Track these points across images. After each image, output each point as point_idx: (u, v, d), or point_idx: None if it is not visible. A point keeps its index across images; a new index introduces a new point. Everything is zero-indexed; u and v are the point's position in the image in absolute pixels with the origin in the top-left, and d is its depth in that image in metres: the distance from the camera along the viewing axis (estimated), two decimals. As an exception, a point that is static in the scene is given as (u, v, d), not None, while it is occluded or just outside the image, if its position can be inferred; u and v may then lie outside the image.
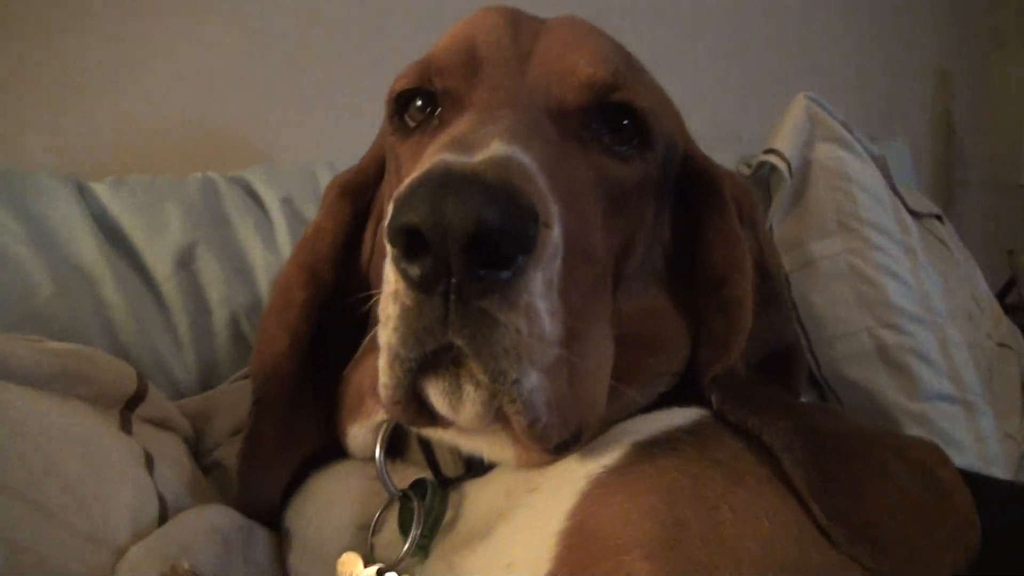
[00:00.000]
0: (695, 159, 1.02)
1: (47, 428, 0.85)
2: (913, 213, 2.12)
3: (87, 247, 1.24)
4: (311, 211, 1.47)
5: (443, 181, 0.64)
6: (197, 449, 1.12)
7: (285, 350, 0.98)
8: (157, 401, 1.06)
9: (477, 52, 0.89)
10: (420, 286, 0.66)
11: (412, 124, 0.92)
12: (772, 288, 1.05)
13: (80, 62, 1.56)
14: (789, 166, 1.84)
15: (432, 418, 0.75)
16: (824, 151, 1.88)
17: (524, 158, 0.71)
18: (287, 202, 1.48)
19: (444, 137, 0.75)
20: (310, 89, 1.87)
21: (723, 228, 0.98)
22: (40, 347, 0.96)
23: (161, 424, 1.06)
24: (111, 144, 1.60)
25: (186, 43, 1.69)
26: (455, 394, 0.71)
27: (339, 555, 0.88)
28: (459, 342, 0.67)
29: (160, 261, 1.32)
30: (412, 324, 0.68)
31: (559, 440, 0.75)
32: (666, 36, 2.62)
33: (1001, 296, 3.54)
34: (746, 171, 2.02)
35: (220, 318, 1.34)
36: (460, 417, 0.72)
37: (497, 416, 0.72)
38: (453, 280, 0.64)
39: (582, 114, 0.87)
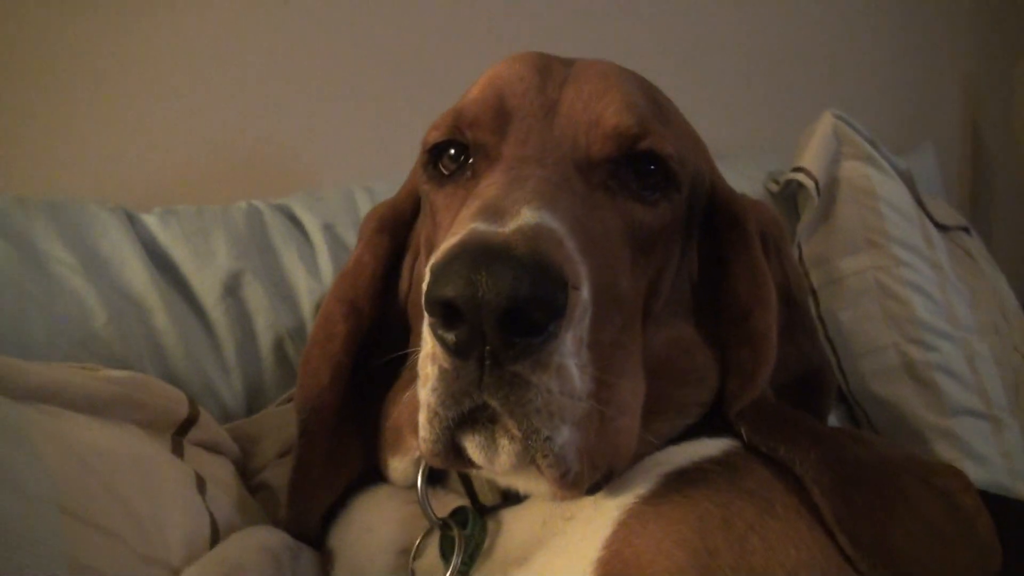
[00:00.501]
0: (720, 193, 1.04)
1: (106, 454, 0.87)
2: (940, 226, 2.12)
3: (138, 276, 1.28)
4: (351, 236, 1.50)
5: (476, 256, 0.67)
6: (244, 470, 1.15)
7: (328, 383, 1.01)
8: (208, 425, 1.09)
9: (505, 104, 0.91)
10: (456, 352, 0.69)
11: (446, 172, 0.95)
12: (798, 315, 1.08)
13: (124, 96, 1.60)
14: (817, 184, 1.86)
15: (469, 463, 0.77)
16: (851, 169, 1.90)
17: (553, 223, 0.74)
18: (328, 228, 1.51)
19: (476, 201, 0.78)
20: (349, 114, 1.89)
21: (747, 261, 1.00)
22: (97, 375, 0.99)
23: (212, 448, 1.09)
24: (155, 172, 1.64)
25: (228, 73, 1.72)
26: (491, 447, 0.74)
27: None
28: (493, 403, 0.70)
29: (208, 289, 1.35)
30: (449, 385, 0.71)
31: (590, 484, 0.78)
32: (693, 51, 2.63)
33: (1030, 306, 3.52)
34: (774, 188, 2.04)
35: (266, 343, 1.37)
36: (495, 467, 0.76)
37: (531, 462, 0.74)
38: (487, 347, 0.67)
39: (609, 164, 0.89)
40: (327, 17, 1.85)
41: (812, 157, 1.89)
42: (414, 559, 0.93)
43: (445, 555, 0.90)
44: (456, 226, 0.76)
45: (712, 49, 2.70)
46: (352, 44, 1.89)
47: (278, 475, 1.13)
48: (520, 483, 0.87)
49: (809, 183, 1.87)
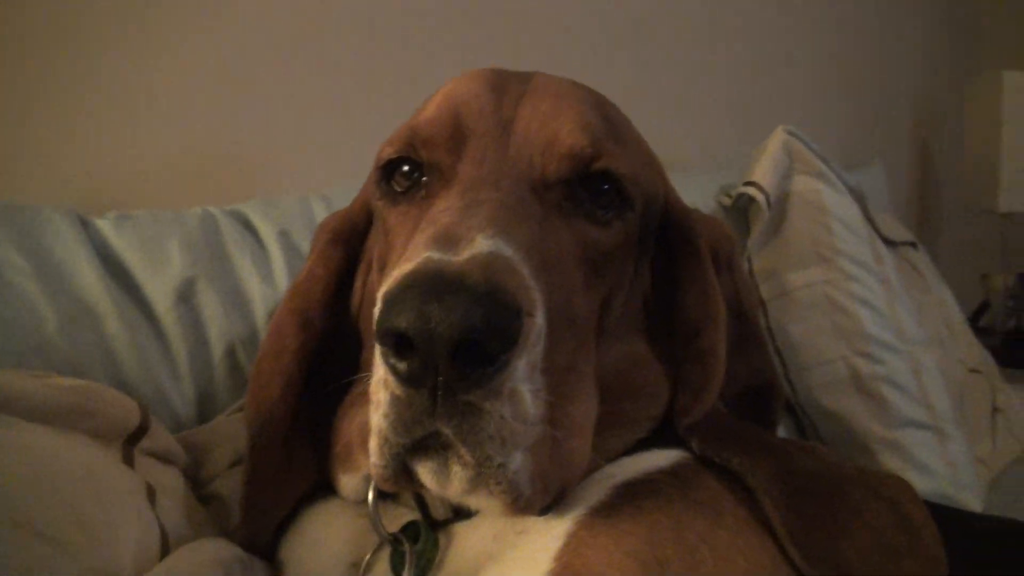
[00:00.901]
0: (673, 209, 1.04)
1: (57, 463, 0.86)
2: (888, 242, 2.16)
3: (91, 282, 1.26)
4: (307, 244, 1.48)
5: (429, 287, 0.67)
6: (195, 480, 1.14)
7: (278, 396, 1.00)
8: (159, 435, 1.07)
9: (461, 123, 0.90)
10: (408, 382, 0.69)
11: (399, 189, 0.94)
12: (749, 329, 1.10)
13: (77, 98, 1.58)
14: (768, 198, 1.89)
15: (420, 486, 0.77)
16: (802, 184, 1.93)
17: (507, 250, 0.74)
18: (284, 235, 1.51)
19: (430, 228, 0.77)
20: (306, 121, 1.89)
21: (698, 278, 1.01)
22: (48, 382, 0.98)
23: (163, 457, 1.07)
24: (111, 177, 1.62)
25: (184, 78, 1.71)
26: (443, 473, 0.74)
27: None
28: (446, 431, 0.70)
29: (161, 295, 1.33)
30: (401, 413, 0.71)
31: (542, 507, 0.78)
32: (649, 65, 2.65)
33: (974, 319, 3.59)
34: (727, 201, 2.07)
35: (218, 351, 1.36)
36: (447, 492, 0.76)
37: (483, 487, 0.74)
38: (440, 378, 0.67)
39: (564, 184, 0.89)
40: (284, 25, 1.85)
41: (764, 172, 1.92)
42: (364, 573, 0.93)
43: (396, 570, 0.90)
44: (410, 252, 0.76)
45: (668, 64, 2.73)
46: (309, 52, 1.89)
47: (229, 485, 1.12)
48: (472, 501, 0.87)
49: (760, 197, 1.89)
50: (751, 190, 1.92)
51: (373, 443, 0.75)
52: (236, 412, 1.26)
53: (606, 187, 0.91)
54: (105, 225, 1.36)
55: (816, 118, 3.21)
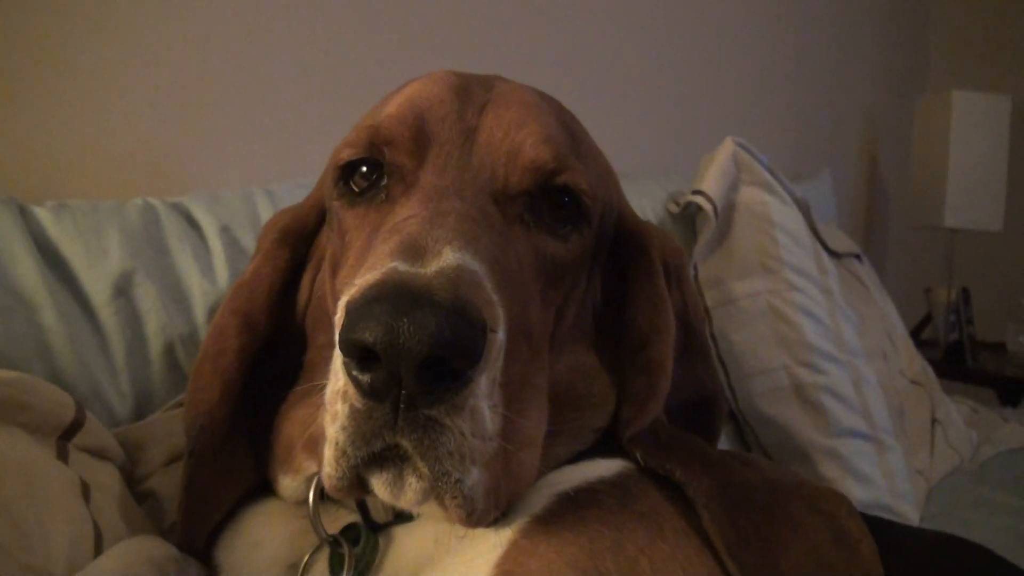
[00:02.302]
0: (626, 222, 1.05)
1: (-11, 458, 0.84)
2: (832, 253, 2.20)
3: (26, 271, 1.24)
4: (250, 239, 1.48)
5: (397, 300, 0.66)
6: (131, 477, 1.12)
7: (218, 399, 0.98)
8: (95, 430, 1.05)
9: (425, 127, 0.90)
10: (371, 395, 0.68)
11: (357, 190, 0.93)
12: (694, 340, 1.10)
13: (18, 84, 1.55)
14: (715, 207, 1.90)
15: (371, 495, 0.77)
16: (749, 195, 1.95)
17: (473, 264, 0.74)
18: (226, 230, 1.49)
19: (395, 236, 0.76)
20: (251, 114, 1.87)
21: (649, 291, 1.01)
22: (-20, 375, 0.96)
23: (98, 453, 1.05)
24: (50, 166, 1.59)
25: (126, 65, 1.68)
26: (398, 484, 0.73)
27: None
28: (406, 445, 0.70)
29: (98, 288, 1.31)
30: (360, 425, 0.70)
31: (492, 519, 0.78)
32: (600, 73, 2.66)
33: (917, 332, 3.65)
34: (674, 209, 2.08)
35: (156, 346, 1.34)
36: (400, 502, 0.75)
37: (436, 499, 0.74)
38: (403, 392, 0.67)
39: (526, 197, 0.89)
40: (231, 15, 1.83)
41: (711, 181, 1.94)
42: (303, 573, 0.92)
43: (334, 572, 0.89)
44: (373, 260, 0.75)
45: (619, 72, 2.74)
46: (255, 44, 1.87)
47: (165, 483, 1.11)
48: (423, 511, 0.86)
49: (707, 206, 1.91)
50: (699, 199, 1.94)
51: (328, 453, 0.74)
52: (173, 409, 1.24)
53: (566, 200, 0.92)
54: (43, 213, 1.33)
55: (766, 129, 3.25)
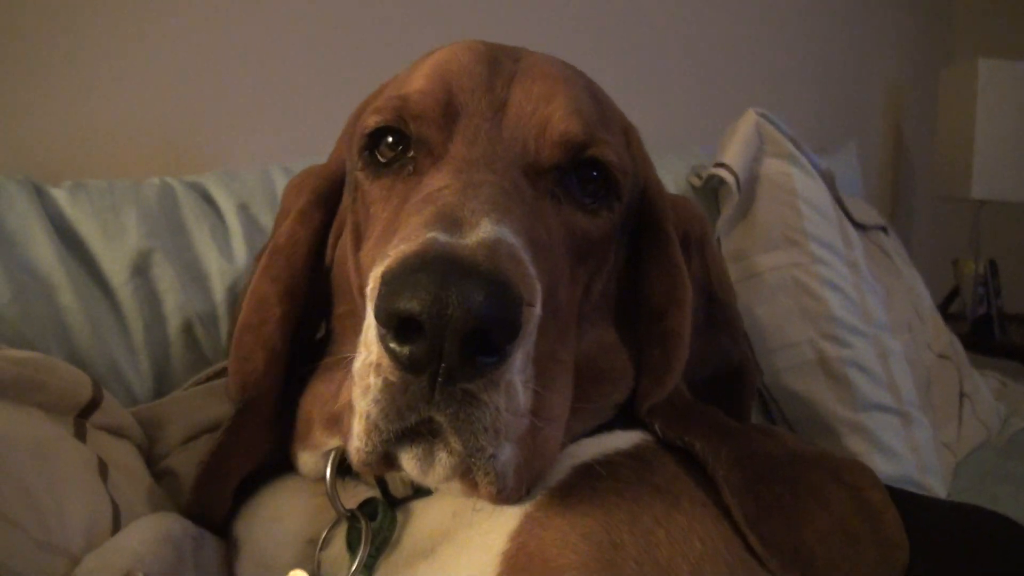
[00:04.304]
0: (650, 192, 1.03)
1: (5, 437, 0.85)
2: (858, 226, 2.17)
3: (44, 252, 1.24)
4: (267, 217, 1.48)
5: (443, 270, 0.64)
6: (149, 456, 1.12)
7: (263, 369, 0.97)
8: (112, 409, 1.06)
9: (454, 99, 0.88)
10: (409, 367, 0.66)
11: (382, 160, 0.91)
12: (720, 312, 1.08)
13: (34, 64, 1.55)
14: (738, 180, 1.88)
15: (398, 470, 0.76)
16: (772, 166, 1.92)
17: (511, 237, 0.72)
18: (243, 208, 1.49)
19: (429, 207, 0.75)
20: (267, 92, 1.87)
21: (664, 261, 1.00)
22: (-2, 355, 0.97)
23: (115, 432, 1.06)
24: (67, 146, 1.59)
25: (142, 45, 1.68)
26: (427, 460, 0.72)
27: (287, 567, 0.90)
28: (441, 419, 0.68)
29: (116, 267, 1.31)
30: (395, 399, 0.68)
31: (521, 496, 0.78)
32: (623, 45, 2.64)
33: (944, 305, 3.61)
34: (696, 182, 2.06)
35: (175, 325, 1.34)
36: (428, 479, 0.74)
37: (463, 475, 0.74)
38: (443, 364, 0.65)
39: (556, 171, 0.88)
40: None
41: (734, 153, 1.92)
42: (320, 549, 0.92)
43: (352, 547, 0.88)
44: (407, 230, 0.73)
45: (642, 44, 2.72)
46: (270, 23, 1.87)
47: (183, 461, 1.11)
48: (449, 488, 0.85)
49: (730, 179, 1.89)
50: (721, 172, 1.92)
51: (358, 427, 0.72)
52: (192, 387, 1.24)
53: (595, 174, 0.91)
54: (60, 194, 1.34)
55: (789, 101, 3.21)
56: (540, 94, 0.90)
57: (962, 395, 2.37)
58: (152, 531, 0.90)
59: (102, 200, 1.35)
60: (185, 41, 1.74)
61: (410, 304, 0.63)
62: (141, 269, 1.33)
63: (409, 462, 0.73)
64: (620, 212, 0.95)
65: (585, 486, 0.82)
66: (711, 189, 2.02)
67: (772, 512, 0.84)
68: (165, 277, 1.34)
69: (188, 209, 1.44)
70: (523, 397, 0.72)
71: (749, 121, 1.97)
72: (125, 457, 1.05)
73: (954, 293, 3.75)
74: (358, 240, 0.94)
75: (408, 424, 0.69)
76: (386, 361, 0.68)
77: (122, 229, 1.34)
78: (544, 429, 0.77)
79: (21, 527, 0.79)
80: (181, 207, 1.44)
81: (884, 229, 2.50)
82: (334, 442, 0.94)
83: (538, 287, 0.73)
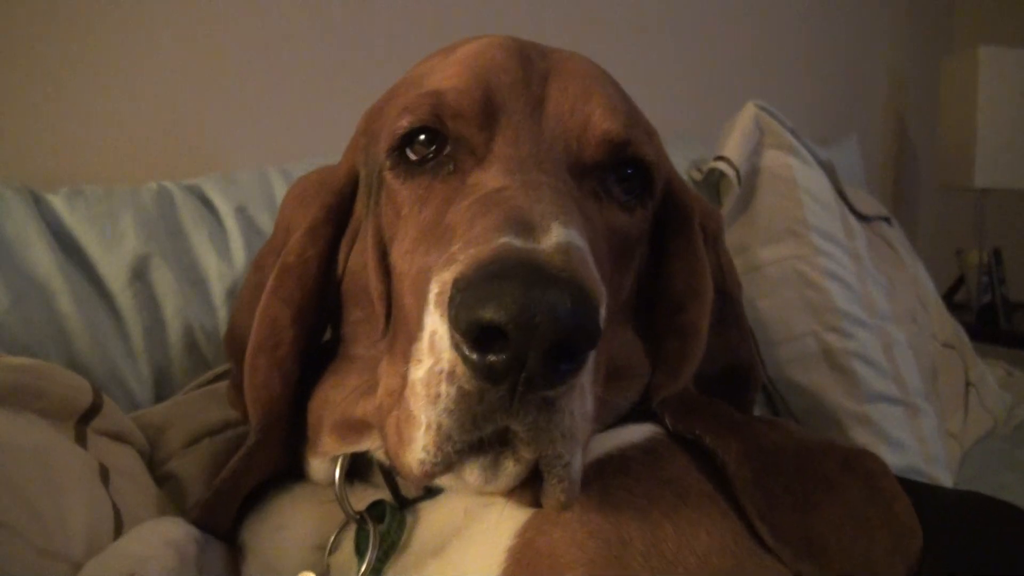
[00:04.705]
0: (673, 186, 1.03)
1: (3, 444, 0.85)
2: (861, 217, 2.16)
3: (42, 259, 1.24)
4: (265, 220, 1.48)
5: (527, 278, 0.62)
6: (151, 460, 1.12)
7: (279, 392, 0.96)
8: (112, 414, 1.05)
9: (492, 97, 0.86)
10: (489, 376, 0.64)
11: (415, 158, 0.88)
12: (730, 308, 1.08)
13: (29, 69, 1.55)
14: (738, 173, 1.88)
15: (459, 480, 0.75)
16: (772, 158, 1.92)
17: (580, 242, 0.71)
18: (241, 211, 1.49)
19: (496, 210, 0.73)
20: (264, 94, 1.87)
21: (689, 256, 1.00)
22: (-4, 363, 0.96)
23: (116, 437, 1.06)
24: (63, 152, 1.59)
25: (139, 50, 1.68)
26: (494, 469, 0.71)
27: (295, 572, 0.90)
28: (518, 428, 0.67)
29: (115, 272, 1.31)
30: (471, 408, 0.66)
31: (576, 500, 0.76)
32: (620, 38, 2.64)
33: (949, 295, 3.60)
34: (697, 176, 2.06)
35: (174, 329, 1.34)
36: (489, 488, 0.73)
37: (520, 485, 0.73)
38: (523, 374, 0.63)
39: (599, 170, 0.88)
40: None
41: (734, 146, 1.91)
42: (329, 553, 0.92)
43: (360, 551, 0.88)
44: (474, 233, 0.71)
45: (639, 37, 2.71)
46: (267, 26, 1.87)
47: (185, 465, 1.11)
48: (509, 498, 0.84)
49: (730, 172, 1.89)
50: (722, 165, 1.91)
51: (425, 438, 0.69)
52: (193, 390, 1.24)
53: (630, 172, 0.90)
54: (57, 201, 1.34)
55: (790, 92, 3.21)
56: (577, 93, 0.89)
57: (968, 384, 2.37)
58: (155, 535, 0.90)
59: (99, 205, 1.35)
60: (182, 45, 1.74)
61: (496, 314, 0.61)
62: (140, 274, 1.33)
63: (473, 472, 0.72)
64: (652, 209, 0.94)
65: (596, 481, 0.81)
66: (712, 183, 2.02)
67: (782, 503, 0.84)
68: (164, 281, 1.34)
69: (186, 213, 1.44)
70: (591, 401, 0.71)
71: (748, 113, 1.97)
72: (126, 462, 1.04)
73: (959, 282, 3.74)
74: (380, 245, 0.92)
75: (484, 434, 0.67)
76: (462, 369, 0.66)
77: (120, 234, 1.34)
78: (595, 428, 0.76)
79: (22, 534, 0.79)
80: (179, 211, 1.44)
81: (887, 219, 2.49)
82: (344, 448, 0.94)
83: (604, 291, 0.72)
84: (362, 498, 0.93)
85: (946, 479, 1.83)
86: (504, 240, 0.67)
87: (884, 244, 2.38)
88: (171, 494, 1.08)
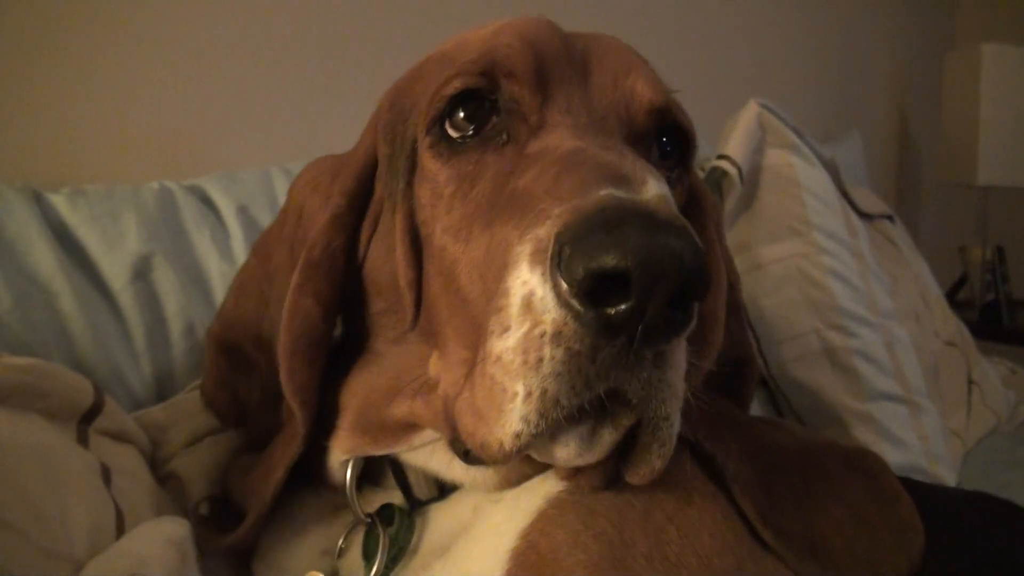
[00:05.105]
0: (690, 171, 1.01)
1: (6, 445, 0.85)
2: (863, 215, 2.16)
3: (44, 259, 1.24)
4: (267, 219, 1.46)
5: (645, 224, 0.60)
6: (153, 460, 1.12)
7: (316, 389, 0.93)
8: (114, 414, 1.06)
9: (543, 62, 0.83)
10: (606, 331, 0.61)
11: (455, 135, 0.84)
12: (732, 300, 1.07)
13: (30, 68, 1.56)
14: (740, 171, 1.88)
15: (549, 455, 0.72)
16: (775, 157, 1.92)
17: (670, 194, 0.69)
18: (243, 211, 1.49)
19: (585, 166, 0.71)
20: (265, 93, 1.87)
21: (705, 240, 0.96)
22: (0, 363, 0.97)
23: (118, 436, 1.06)
24: (65, 151, 1.59)
25: (139, 49, 1.68)
26: (591, 439, 0.69)
27: (303, 574, 0.90)
28: (631, 387, 0.64)
29: (117, 272, 1.31)
30: (583, 369, 0.63)
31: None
32: (620, 33, 2.63)
33: (952, 293, 3.60)
34: (700, 174, 2.06)
35: (176, 328, 1.34)
36: (582, 459, 0.71)
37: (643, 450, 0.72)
38: (641, 327, 0.61)
39: (645, 141, 0.86)
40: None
41: (736, 145, 1.91)
42: (338, 557, 0.92)
43: (368, 555, 0.88)
44: (565, 189, 0.68)
45: (639, 35, 2.70)
46: (268, 25, 1.87)
47: (187, 464, 1.11)
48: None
49: (733, 171, 1.88)
50: (724, 164, 1.91)
51: (525, 408, 0.65)
52: (195, 390, 1.24)
53: (668, 148, 0.89)
54: (59, 201, 1.34)
55: (792, 90, 3.20)
56: (617, 67, 0.87)
57: (970, 383, 2.37)
58: (155, 535, 0.90)
59: (101, 205, 1.35)
60: (183, 45, 1.74)
61: (622, 260, 0.58)
62: (141, 273, 1.33)
63: (569, 444, 0.69)
64: (687, 185, 0.93)
65: None
66: (714, 181, 2.02)
67: (785, 504, 0.83)
68: (166, 281, 1.34)
69: (187, 212, 1.44)
70: (684, 361, 0.69)
71: (751, 112, 1.97)
72: (128, 461, 1.04)
73: (962, 280, 3.74)
74: (411, 230, 0.88)
75: (594, 395, 0.64)
76: (571, 328, 0.62)
77: (121, 234, 1.34)
78: None
79: (24, 533, 0.79)
80: (180, 210, 1.44)
81: (890, 218, 2.49)
82: (377, 450, 0.92)
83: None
84: (371, 501, 0.93)
85: (949, 478, 1.84)
86: (607, 191, 0.64)
87: (887, 242, 2.38)
88: (173, 493, 1.08)
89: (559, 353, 0.63)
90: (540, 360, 0.63)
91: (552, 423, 0.65)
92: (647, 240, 0.58)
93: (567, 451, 0.69)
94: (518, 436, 0.66)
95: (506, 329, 0.66)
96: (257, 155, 1.76)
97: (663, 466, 0.71)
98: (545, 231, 0.64)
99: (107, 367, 1.25)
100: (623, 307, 0.60)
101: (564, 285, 0.61)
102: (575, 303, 0.61)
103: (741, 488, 0.83)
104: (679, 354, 0.67)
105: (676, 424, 0.69)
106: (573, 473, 0.77)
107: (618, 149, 0.75)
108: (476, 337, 0.70)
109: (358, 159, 0.97)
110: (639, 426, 0.69)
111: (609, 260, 0.58)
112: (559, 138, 0.77)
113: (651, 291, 0.59)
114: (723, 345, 0.97)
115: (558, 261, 0.61)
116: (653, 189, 0.66)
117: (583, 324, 0.61)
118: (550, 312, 0.63)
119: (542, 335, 0.63)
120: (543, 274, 0.63)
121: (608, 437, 0.69)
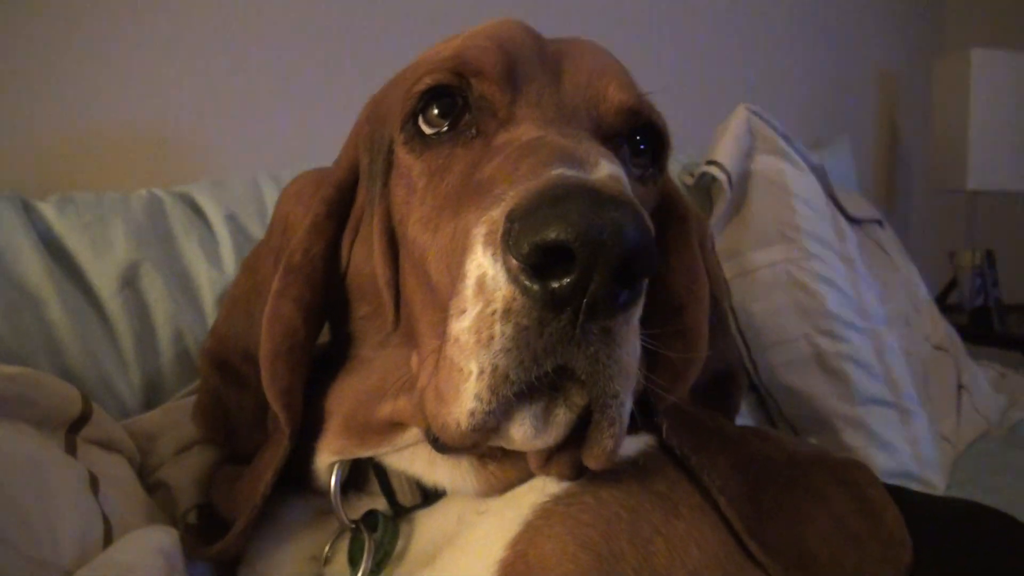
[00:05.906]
0: (668, 184, 1.02)
1: (-4, 456, 0.84)
2: (852, 220, 2.17)
3: (32, 267, 1.24)
4: (256, 226, 1.47)
5: (589, 199, 0.61)
6: (141, 468, 1.12)
7: (301, 395, 0.94)
8: (102, 422, 1.05)
9: (513, 64, 0.85)
10: (552, 305, 0.63)
11: (429, 132, 0.86)
12: (718, 314, 1.07)
13: (19, 75, 1.55)
14: (730, 177, 1.88)
15: (501, 440, 0.72)
16: (764, 163, 1.93)
17: (624, 176, 0.70)
18: (232, 218, 1.48)
19: (542, 149, 0.73)
20: (254, 101, 1.87)
21: (686, 254, 0.98)
22: (-14, 372, 0.96)
23: (106, 445, 1.05)
24: (53, 158, 1.59)
25: (128, 53, 1.68)
26: (544, 419, 0.69)
27: None
28: (578, 363, 0.65)
29: (105, 280, 1.31)
30: (531, 344, 0.64)
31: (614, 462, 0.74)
32: (609, 39, 2.64)
33: (942, 297, 3.61)
34: (689, 181, 2.06)
35: (165, 336, 1.33)
36: (537, 442, 0.71)
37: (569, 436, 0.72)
38: (585, 300, 0.62)
39: (616, 139, 0.87)
40: (233, 3, 1.82)
41: (725, 151, 1.92)
42: (324, 563, 0.92)
43: (353, 560, 0.88)
44: (521, 172, 0.70)
45: (628, 39, 2.71)
46: (258, 32, 1.87)
47: (175, 473, 1.10)
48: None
49: (722, 176, 1.89)
50: (713, 169, 1.92)
51: (478, 385, 0.66)
52: (184, 397, 1.24)
53: (642, 147, 0.90)
54: (47, 208, 1.33)
55: (782, 95, 3.21)
56: (591, 68, 0.89)
57: (960, 387, 2.37)
58: (143, 544, 0.89)
59: (89, 213, 1.35)
60: (172, 52, 1.74)
61: (564, 232, 0.60)
62: (130, 281, 1.32)
63: (523, 424, 0.69)
64: (659, 186, 0.94)
65: (589, 494, 0.81)
66: (703, 187, 2.03)
67: (773, 517, 0.83)
68: (154, 288, 1.34)
69: (176, 220, 1.43)
70: (638, 344, 0.70)
71: (740, 117, 1.98)
72: (116, 470, 1.04)
73: (952, 285, 3.74)
74: (388, 230, 0.90)
75: (543, 371, 0.65)
76: (519, 303, 0.63)
77: (110, 241, 1.34)
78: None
79: (11, 543, 0.78)
80: (169, 218, 1.43)
81: (879, 222, 2.50)
82: (364, 451, 0.92)
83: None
84: (356, 507, 0.93)
85: (938, 482, 1.84)
86: (558, 171, 0.66)
87: (876, 246, 2.39)
88: (161, 502, 1.08)
89: (508, 329, 0.64)
90: (491, 337, 0.65)
91: (503, 400, 0.66)
92: (589, 213, 0.60)
93: (523, 431, 0.69)
94: (472, 414, 0.67)
95: (463, 311, 0.67)
96: (246, 163, 1.76)
97: (616, 447, 0.71)
98: (499, 212, 0.66)
99: (95, 375, 1.25)
100: (567, 280, 0.61)
101: (513, 261, 0.63)
102: (523, 278, 0.63)
103: (728, 500, 0.83)
104: (628, 332, 0.67)
105: (628, 404, 0.70)
106: (544, 463, 0.77)
107: (577, 136, 0.76)
108: (445, 325, 0.71)
109: (339, 169, 1.00)
110: (592, 408, 0.69)
111: (551, 233, 0.60)
112: (524, 130, 0.79)
113: (593, 264, 0.60)
114: (709, 360, 0.98)
115: (507, 239, 0.63)
116: (605, 169, 0.68)
117: (530, 298, 0.63)
118: (500, 289, 0.64)
119: (493, 312, 0.65)
120: (494, 254, 0.65)
121: (562, 417, 0.69)
